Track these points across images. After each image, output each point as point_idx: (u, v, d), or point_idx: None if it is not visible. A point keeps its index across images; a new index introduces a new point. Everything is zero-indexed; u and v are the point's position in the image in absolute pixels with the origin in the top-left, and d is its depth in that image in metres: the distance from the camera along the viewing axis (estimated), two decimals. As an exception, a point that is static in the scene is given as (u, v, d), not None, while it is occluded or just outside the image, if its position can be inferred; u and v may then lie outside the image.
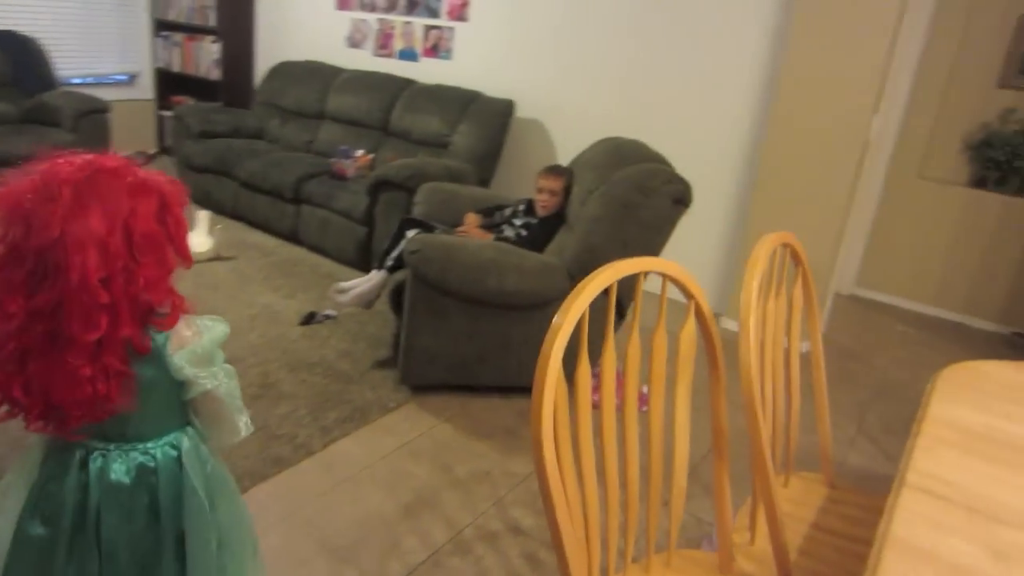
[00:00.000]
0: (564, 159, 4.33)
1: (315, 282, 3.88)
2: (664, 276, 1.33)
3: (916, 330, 4.22)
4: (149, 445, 1.17)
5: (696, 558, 1.42)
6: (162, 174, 1.14)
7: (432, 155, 4.33)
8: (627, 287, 1.39)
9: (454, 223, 3.26)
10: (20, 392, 1.04)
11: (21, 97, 4.82)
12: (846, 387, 3.36)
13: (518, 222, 3.23)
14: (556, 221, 3.15)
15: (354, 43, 5.19)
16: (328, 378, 2.91)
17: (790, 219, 3.53)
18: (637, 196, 2.61)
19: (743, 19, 3.66)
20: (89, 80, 5.55)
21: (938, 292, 4.43)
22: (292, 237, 4.37)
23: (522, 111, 4.40)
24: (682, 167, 2.88)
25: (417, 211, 3.37)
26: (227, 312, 3.38)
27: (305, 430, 2.56)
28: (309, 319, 3.41)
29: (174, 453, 1.19)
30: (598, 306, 1.14)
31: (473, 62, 4.63)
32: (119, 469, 1.15)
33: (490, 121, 4.25)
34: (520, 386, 2.92)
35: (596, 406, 1.25)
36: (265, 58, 5.66)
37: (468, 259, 2.56)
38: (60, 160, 1.05)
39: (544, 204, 3.16)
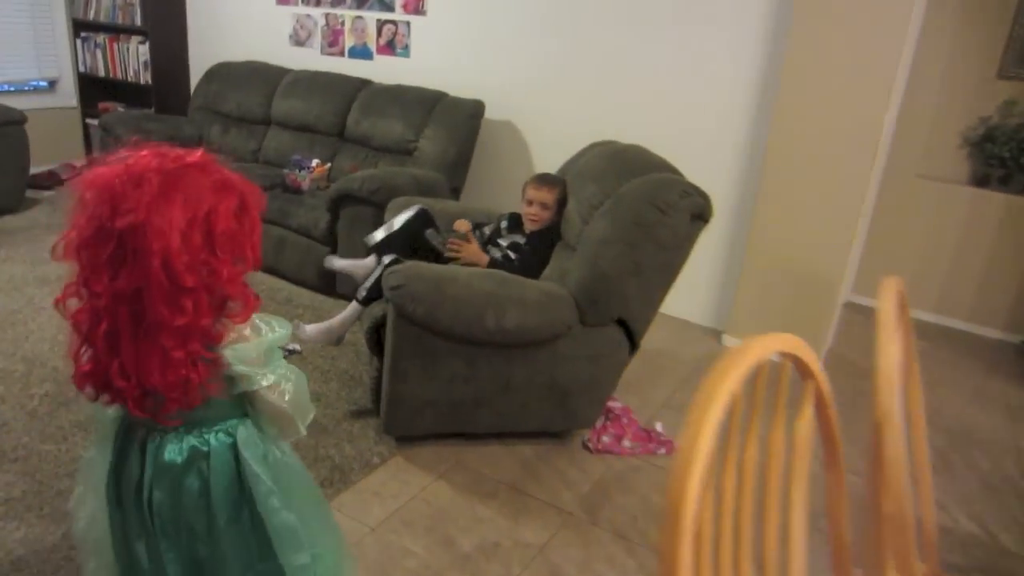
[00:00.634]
0: (542, 165, 3.98)
1: (273, 310, 3.43)
2: (786, 356, 0.99)
3: (924, 341, 3.98)
4: (204, 431, 1.22)
5: None
6: (242, 176, 1.17)
7: (396, 163, 3.92)
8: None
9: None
10: (117, 377, 1.09)
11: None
12: (860, 411, 3.08)
13: (504, 242, 2.86)
14: (548, 238, 2.79)
15: (299, 41, 4.72)
16: (298, 433, 2.51)
17: (796, 227, 3.25)
18: (652, 213, 2.27)
19: (738, 5, 3.35)
20: (4, 88, 4.96)
21: (941, 299, 4.20)
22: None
23: (491, 112, 4.02)
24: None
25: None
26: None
27: (276, 502, 2.15)
28: (269, 357, 2.99)
29: (229, 440, 1.24)
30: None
31: (434, 59, 4.23)
32: (172, 450, 1.21)
33: (459, 124, 3.86)
34: (522, 431, 2.57)
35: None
36: (200, 59, 5.13)
37: (461, 294, 2.19)
38: (151, 151, 1.09)
39: (534, 218, 2.80)
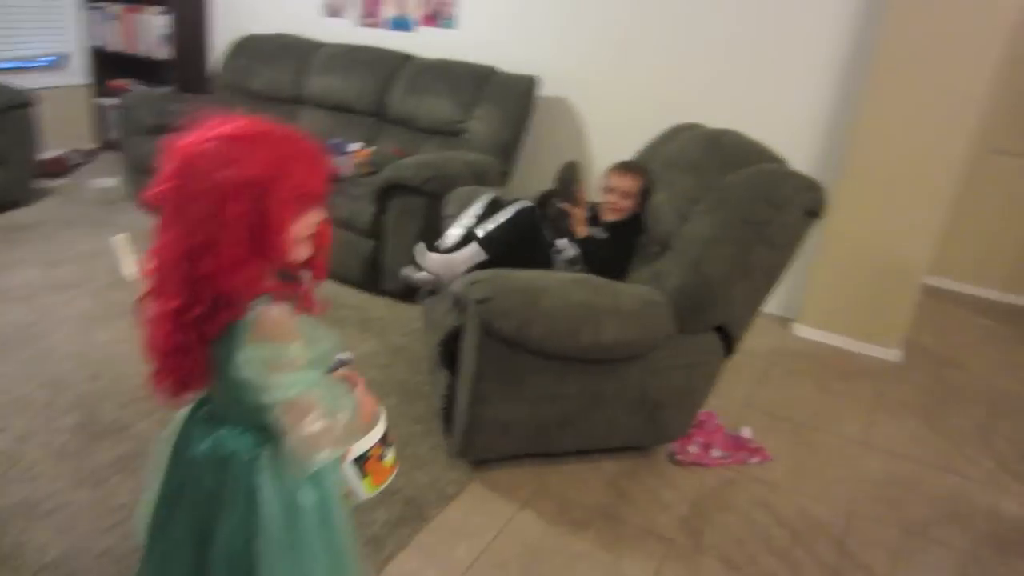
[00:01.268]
0: (601, 148, 3.70)
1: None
2: None
3: (995, 322, 3.73)
4: (234, 429, 1.14)
5: None
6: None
7: (444, 146, 3.63)
8: None
9: None
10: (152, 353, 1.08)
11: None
12: (957, 405, 2.85)
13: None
14: (631, 231, 2.52)
15: (333, 11, 4.40)
16: (363, 456, 2.25)
17: (880, 211, 2.99)
18: (766, 210, 1.99)
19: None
20: (8, 65, 4.63)
21: (1010, 276, 3.96)
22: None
23: (544, 88, 3.71)
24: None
25: (447, 222, 2.69)
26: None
27: (350, 545, 1.90)
28: (320, 364, 2.72)
29: (250, 447, 1.12)
30: None
31: (482, 31, 3.91)
32: (200, 439, 1.15)
33: (511, 102, 3.55)
34: (606, 447, 2.32)
35: None
36: (224, 32, 4.80)
37: (556, 307, 1.91)
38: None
39: (615, 207, 2.54)
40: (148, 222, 1.05)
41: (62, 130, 4.75)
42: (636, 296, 2.06)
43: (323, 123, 4.03)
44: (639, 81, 3.54)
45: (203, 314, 1.00)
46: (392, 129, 3.85)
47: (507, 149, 3.54)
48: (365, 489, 1.29)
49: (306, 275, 1.14)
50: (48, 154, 4.48)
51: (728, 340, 2.16)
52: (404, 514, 2.02)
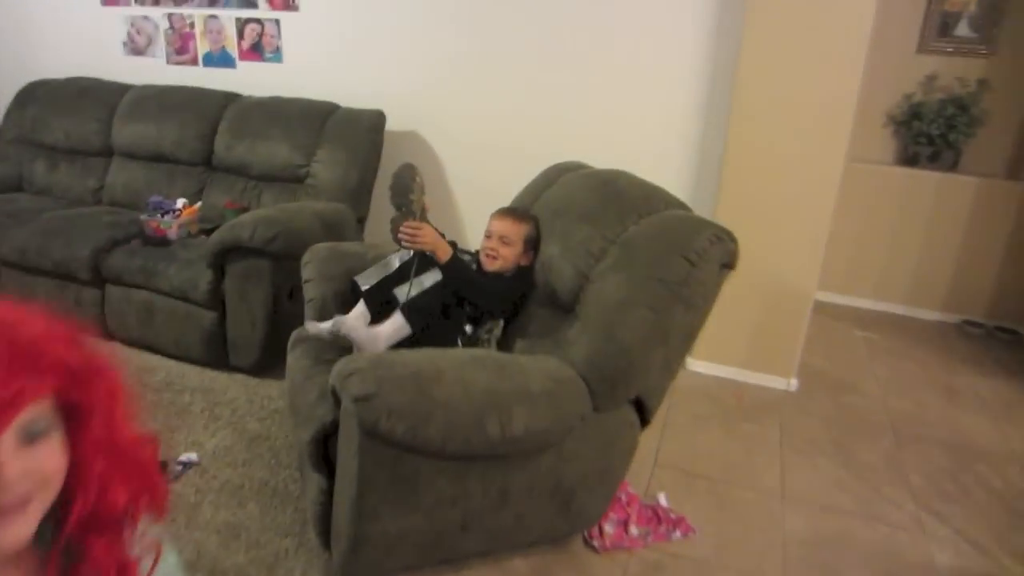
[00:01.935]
0: (462, 182, 3.43)
1: (153, 401, 2.70)
2: None
3: (875, 334, 3.80)
4: None
5: None
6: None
7: (286, 194, 3.24)
8: None
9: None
10: None
11: None
12: (862, 436, 2.80)
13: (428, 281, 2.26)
14: (515, 285, 2.23)
15: (136, 49, 3.87)
16: (223, 590, 1.86)
17: (764, 237, 2.89)
18: (681, 266, 1.79)
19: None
20: None
21: (878, 284, 4.06)
22: (99, 331, 3.10)
23: (392, 123, 3.41)
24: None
25: (310, 289, 2.32)
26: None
27: None
28: (160, 473, 2.27)
29: None
30: None
31: (314, 63, 3.55)
32: None
33: (357, 141, 3.22)
34: (515, 545, 2.03)
35: None
36: (5, 78, 4.13)
37: (454, 398, 1.62)
38: None
39: (493, 254, 2.19)
40: None
41: None
42: (545, 373, 1.79)
43: (140, 177, 3.51)
44: (494, 110, 3.32)
45: None
46: (223, 179, 3.40)
47: (358, 193, 3.20)
48: None
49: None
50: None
51: (643, 410, 1.95)
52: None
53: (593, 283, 1.92)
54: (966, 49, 3.70)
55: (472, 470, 1.73)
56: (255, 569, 1.93)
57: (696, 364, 3.19)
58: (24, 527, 0.67)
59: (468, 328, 2.15)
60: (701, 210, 3.02)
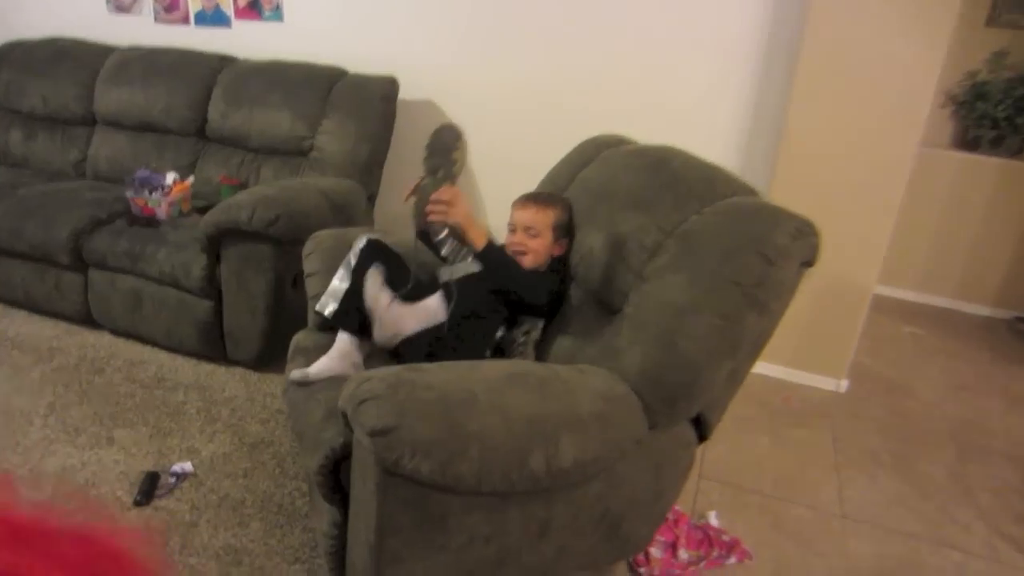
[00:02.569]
0: (484, 158, 3.12)
1: (140, 398, 2.43)
2: None
3: (922, 329, 3.52)
4: None
5: None
6: None
7: (288, 168, 2.93)
8: None
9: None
10: None
11: None
12: (921, 446, 2.54)
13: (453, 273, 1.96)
14: (555, 278, 1.90)
15: (121, 6, 3.52)
16: (226, 641, 1.60)
17: (819, 221, 2.58)
18: (758, 266, 1.50)
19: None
20: None
21: (926, 276, 3.78)
22: (83, 319, 2.82)
23: (404, 91, 3.09)
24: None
25: (312, 282, 2.02)
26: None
27: None
28: (149, 488, 2.02)
29: None
30: None
31: (317, 24, 3.21)
32: None
33: (368, 111, 2.90)
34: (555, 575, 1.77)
35: None
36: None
37: (490, 428, 1.33)
38: None
39: (521, 249, 1.86)
40: None
41: None
42: (594, 390, 1.51)
43: (126, 147, 3.20)
44: (520, 77, 2.99)
45: None
46: (218, 151, 3.08)
47: (369, 168, 2.89)
48: None
49: None
50: None
51: (701, 424, 1.67)
52: None
53: (647, 282, 1.62)
54: (1045, 24, 3.39)
55: (510, 505, 1.45)
56: (259, 607, 1.67)
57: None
58: None
59: (500, 331, 1.86)
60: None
